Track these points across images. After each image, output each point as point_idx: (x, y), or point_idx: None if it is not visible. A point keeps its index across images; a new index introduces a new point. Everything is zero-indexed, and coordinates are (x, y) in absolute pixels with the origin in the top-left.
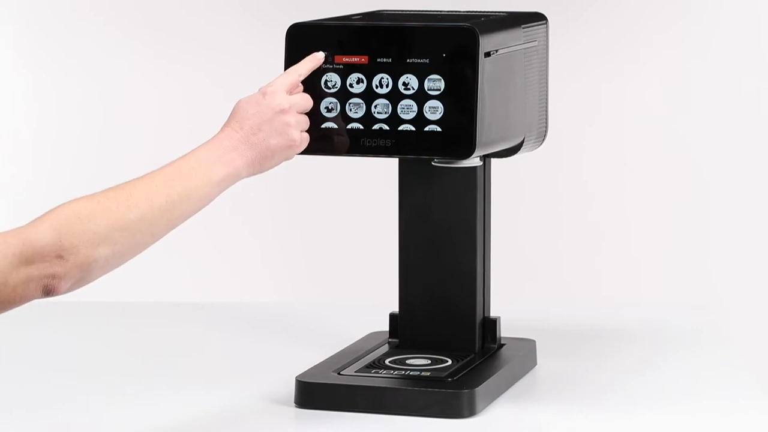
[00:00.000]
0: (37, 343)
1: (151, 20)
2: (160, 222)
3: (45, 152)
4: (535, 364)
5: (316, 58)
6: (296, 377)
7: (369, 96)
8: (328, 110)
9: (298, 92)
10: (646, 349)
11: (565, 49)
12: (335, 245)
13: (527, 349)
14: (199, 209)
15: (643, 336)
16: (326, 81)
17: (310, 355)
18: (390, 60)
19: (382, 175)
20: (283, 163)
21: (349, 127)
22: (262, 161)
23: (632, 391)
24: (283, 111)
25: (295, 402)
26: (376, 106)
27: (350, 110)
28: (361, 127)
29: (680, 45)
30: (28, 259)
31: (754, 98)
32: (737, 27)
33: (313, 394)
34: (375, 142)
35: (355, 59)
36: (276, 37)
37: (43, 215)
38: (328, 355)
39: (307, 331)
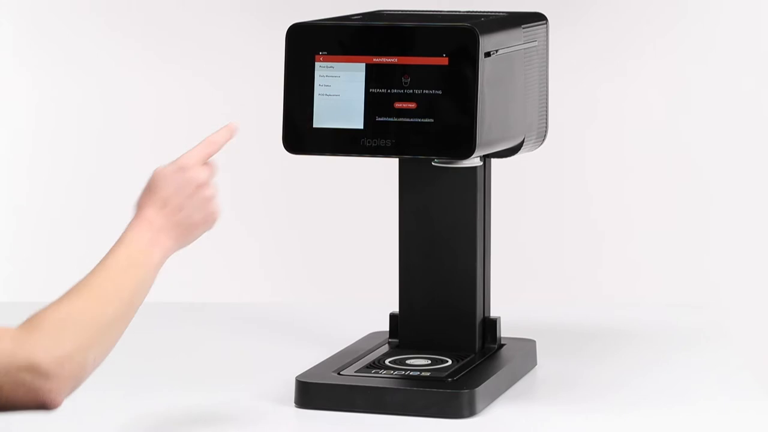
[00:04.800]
0: None
1: (151, 20)
2: (128, 314)
3: (44, 152)
4: (535, 364)
5: (231, 130)
6: (296, 377)
7: (369, 96)
8: (328, 110)
9: (211, 163)
10: (646, 349)
11: (565, 49)
12: (335, 245)
13: (527, 349)
14: (145, 296)
15: (643, 336)
16: (326, 81)
17: (310, 355)
18: (390, 60)
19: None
20: (283, 164)
21: (348, 127)
22: (187, 237)
23: (632, 391)
24: (201, 186)
25: (295, 402)
26: (376, 106)
27: (350, 110)
28: (361, 127)
29: (680, 45)
30: (20, 366)
31: (754, 98)
32: (737, 27)
33: (313, 394)
34: (375, 142)
35: (355, 59)
36: (276, 37)
37: (32, 325)
38: (328, 355)
39: (307, 331)
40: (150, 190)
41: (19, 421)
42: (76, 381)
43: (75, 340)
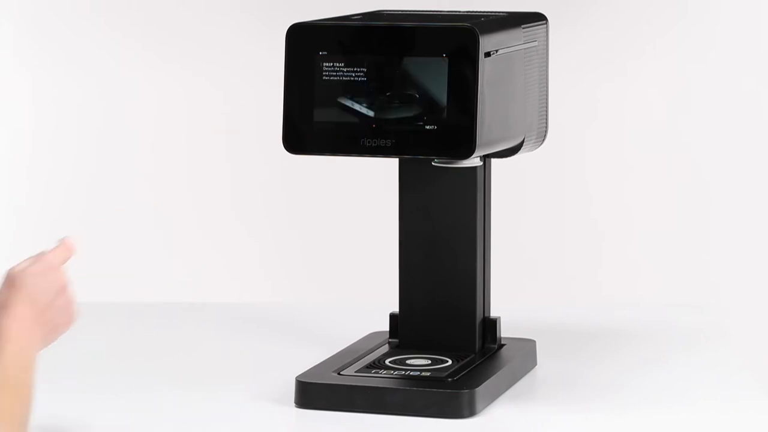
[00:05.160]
0: None
1: (151, 20)
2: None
3: (44, 152)
4: (535, 364)
5: (70, 246)
6: (296, 377)
7: (369, 96)
8: (328, 110)
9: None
10: (646, 349)
11: (565, 49)
12: (335, 245)
13: (527, 349)
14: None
15: (643, 336)
16: (326, 81)
17: (310, 355)
18: (390, 60)
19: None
20: (283, 164)
21: (349, 126)
22: (49, 337)
23: (632, 391)
24: (65, 288)
25: (295, 402)
26: (376, 106)
27: (350, 110)
28: (361, 127)
29: (680, 45)
30: None
31: (754, 98)
32: (737, 27)
33: (313, 394)
34: (375, 142)
35: (355, 59)
36: (276, 37)
37: None
38: (328, 355)
39: (307, 331)
40: (14, 287)
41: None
42: None
43: None
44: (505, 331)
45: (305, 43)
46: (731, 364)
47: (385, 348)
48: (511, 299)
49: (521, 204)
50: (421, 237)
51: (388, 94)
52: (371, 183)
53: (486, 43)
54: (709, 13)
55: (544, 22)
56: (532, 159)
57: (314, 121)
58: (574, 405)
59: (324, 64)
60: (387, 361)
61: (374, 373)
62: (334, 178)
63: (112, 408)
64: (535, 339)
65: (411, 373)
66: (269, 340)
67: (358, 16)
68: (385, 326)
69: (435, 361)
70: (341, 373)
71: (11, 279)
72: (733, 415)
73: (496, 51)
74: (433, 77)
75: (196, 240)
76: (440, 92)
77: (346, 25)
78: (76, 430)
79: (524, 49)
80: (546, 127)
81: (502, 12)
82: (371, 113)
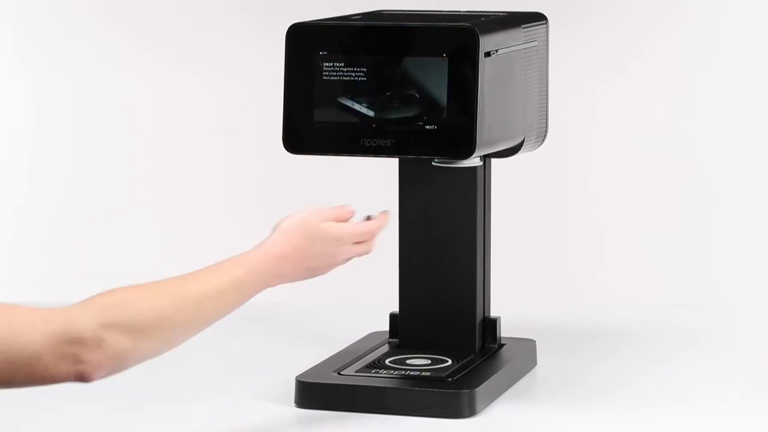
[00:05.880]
0: None
1: (151, 20)
2: (199, 328)
3: (44, 152)
4: (535, 364)
5: (386, 218)
6: (296, 377)
7: (369, 96)
8: (328, 110)
9: (366, 240)
10: (646, 349)
11: (565, 49)
12: None
13: (527, 349)
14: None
15: (643, 336)
16: (326, 81)
17: (310, 355)
18: (390, 60)
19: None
20: (282, 163)
21: (349, 126)
22: (296, 279)
23: (632, 391)
24: (342, 261)
25: (295, 402)
26: (376, 106)
27: (350, 110)
28: (361, 126)
29: (680, 45)
30: (66, 340)
31: (754, 98)
32: (737, 27)
33: (313, 394)
34: (375, 142)
35: (355, 59)
36: (276, 37)
37: (92, 298)
38: (328, 355)
39: (307, 331)
40: (299, 236)
41: (20, 420)
42: (115, 364)
43: (127, 328)
44: (505, 331)
45: (305, 43)
46: (731, 364)
47: (385, 348)
48: (511, 299)
49: (521, 204)
50: (421, 237)
51: (388, 94)
52: (371, 183)
53: (486, 43)
54: (709, 13)
55: (544, 22)
56: (532, 159)
57: (314, 121)
58: (574, 405)
59: (324, 64)
60: (387, 361)
61: (374, 373)
62: (334, 178)
63: (112, 407)
64: (535, 339)
65: (411, 373)
66: (269, 340)
67: (358, 16)
68: (385, 326)
69: (435, 361)
70: (341, 373)
71: (308, 229)
72: (733, 415)
73: (496, 51)
74: (433, 77)
75: (196, 240)
76: (440, 92)
77: (346, 25)
78: (76, 429)
79: (524, 49)
80: (546, 127)
81: (502, 12)
82: (371, 113)
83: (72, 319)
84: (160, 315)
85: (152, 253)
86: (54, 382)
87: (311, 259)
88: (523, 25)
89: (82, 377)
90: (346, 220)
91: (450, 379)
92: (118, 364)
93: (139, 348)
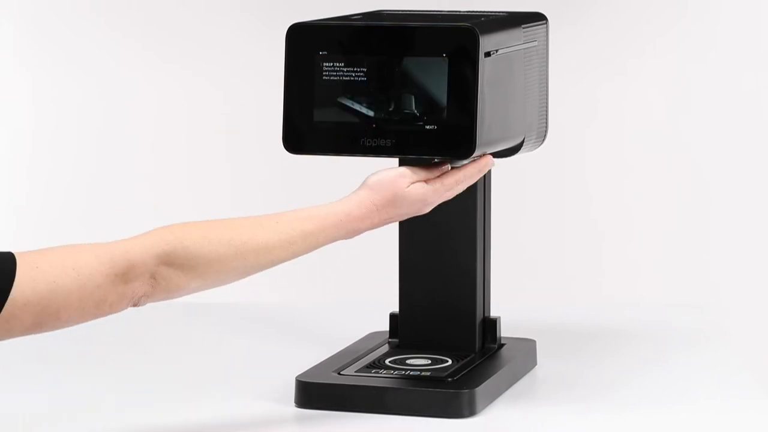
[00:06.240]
0: (38, 340)
1: (151, 20)
2: (256, 272)
3: (44, 152)
4: (535, 364)
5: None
6: (296, 377)
7: (369, 96)
8: (328, 110)
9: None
10: (646, 349)
11: (565, 49)
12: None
13: (527, 349)
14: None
15: (643, 336)
16: (326, 81)
17: (310, 355)
18: (390, 60)
19: None
20: (282, 163)
21: (349, 126)
22: (383, 223)
23: (632, 391)
24: (426, 210)
25: (295, 402)
26: (376, 106)
27: (350, 110)
28: (361, 126)
29: (680, 45)
30: (126, 278)
31: (754, 98)
32: (737, 27)
33: (313, 394)
34: (375, 142)
35: (355, 59)
36: (276, 37)
37: (149, 234)
38: (328, 355)
39: (307, 331)
40: (389, 202)
41: (21, 417)
42: (167, 296)
43: (182, 266)
44: (505, 331)
45: (305, 43)
46: (731, 364)
47: (385, 348)
48: (511, 299)
49: (521, 204)
50: (421, 237)
51: (388, 94)
52: None
53: (486, 43)
54: (709, 13)
55: (544, 22)
56: (532, 159)
57: (314, 121)
58: (574, 405)
59: (324, 64)
60: (387, 361)
61: (374, 373)
62: (334, 178)
63: (113, 407)
64: (535, 339)
65: (411, 373)
66: (269, 340)
67: (358, 16)
68: (385, 326)
69: (435, 361)
70: (341, 373)
71: (398, 190)
72: (733, 415)
73: (496, 51)
74: (433, 77)
75: None
76: (440, 92)
77: (346, 25)
78: (76, 428)
79: (524, 49)
80: (546, 127)
81: (502, 12)
82: (371, 113)
83: (132, 260)
84: (218, 258)
85: None
86: (112, 313)
87: (393, 217)
88: (523, 25)
89: (135, 305)
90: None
91: (450, 379)
92: (169, 296)
93: (191, 285)
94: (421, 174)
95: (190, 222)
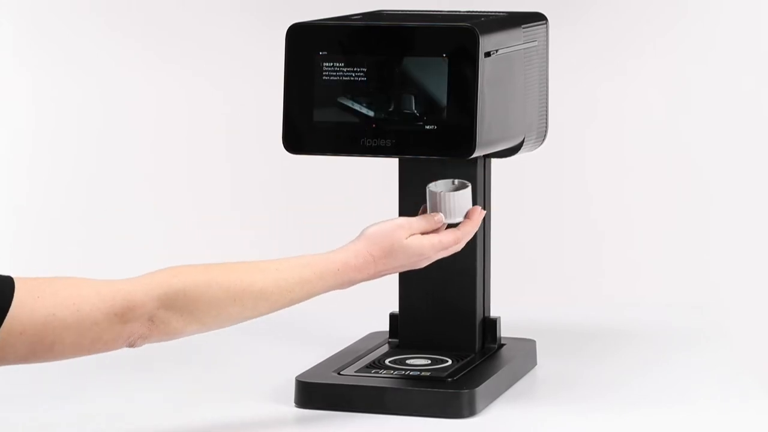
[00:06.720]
0: None
1: (151, 20)
2: (254, 316)
3: (44, 152)
4: (535, 364)
5: (477, 221)
6: (296, 377)
7: (369, 96)
8: (328, 110)
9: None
10: (646, 349)
11: (565, 49)
12: (335, 245)
13: (527, 349)
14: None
15: (643, 336)
16: (326, 81)
17: (310, 355)
18: (390, 60)
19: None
20: (282, 163)
21: (349, 126)
22: (376, 276)
23: (632, 391)
24: (422, 265)
25: (295, 402)
26: (376, 106)
27: (350, 110)
28: (361, 127)
29: (680, 45)
30: (125, 318)
31: (754, 98)
32: (737, 27)
33: (313, 394)
34: (375, 142)
35: (355, 59)
36: (276, 37)
37: (151, 275)
38: (328, 355)
39: (307, 331)
40: (386, 254)
41: (20, 415)
42: (164, 338)
43: (182, 312)
44: (505, 331)
45: (305, 43)
46: (731, 364)
47: (385, 348)
48: (511, 299)
49: (521, 204)
50: None
51: (388, 94)
52: (371, 183)
53: (486, 43)
54: (709, 13)
55: (544, 22)
56: (532, 159)
57: (314, 121)
58: (574, 405)
59: (324, 64)
60: (387, 361)
61: (374, 373)
62: (334, 178)
63: (113, 407)
64: (535, 339)
65: (411, 373)
66: (269, 340)
67: (358, 16)
68: (385, 326)
69: (435, 361)
70: (341, 373)
71: (396, 242)
72: (733, 415)
73: (496, 51)
74: (433, 77)
75: (196, 240)
76: (440, 92)
77: (346, 25)
78: (74, 427)
79: (524, 49)
80: (546, 127)
81: (502, 12)
82: (371, 113)
83: (133, 301)
84: (217, 304)
85: (152, 253)
86: (106, 351)
87: (389, 269)
88: (523, 25)
89: (131, 346)
90: (435, 231)
91: (450, 379)
92: (166, 338)
93: (188, 329)
94: (420, 226)
95: (192, 265)
